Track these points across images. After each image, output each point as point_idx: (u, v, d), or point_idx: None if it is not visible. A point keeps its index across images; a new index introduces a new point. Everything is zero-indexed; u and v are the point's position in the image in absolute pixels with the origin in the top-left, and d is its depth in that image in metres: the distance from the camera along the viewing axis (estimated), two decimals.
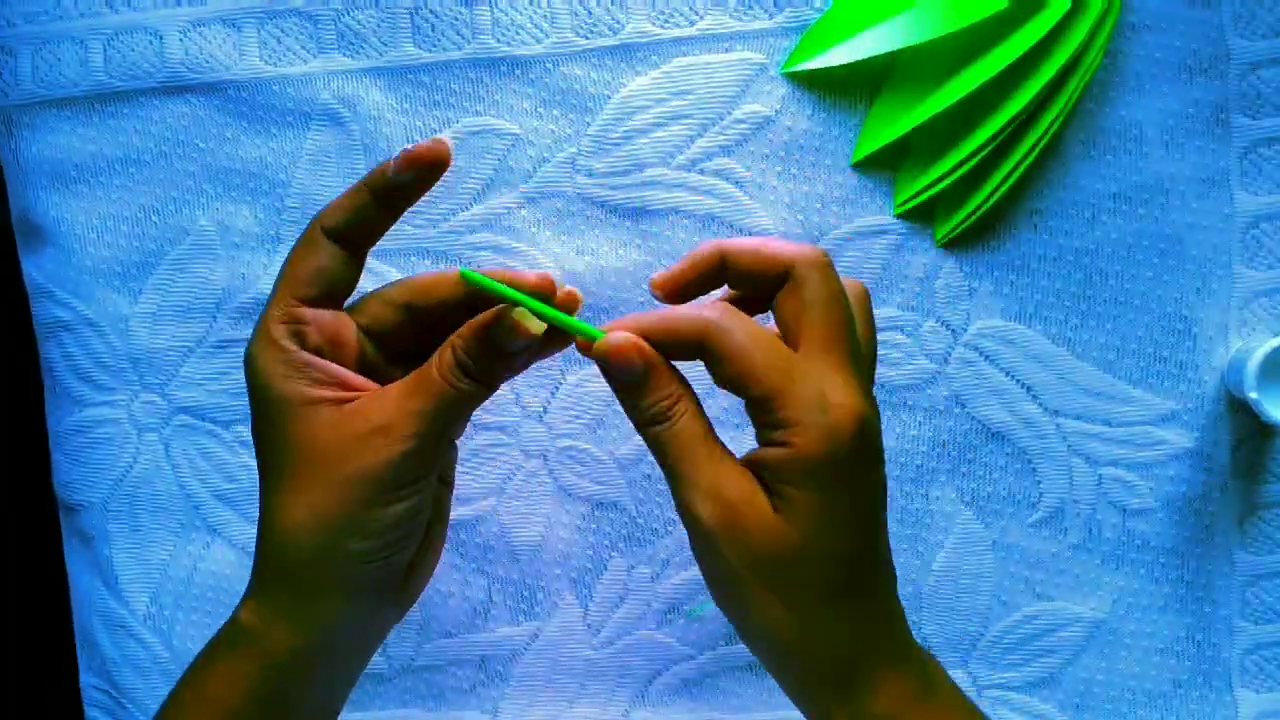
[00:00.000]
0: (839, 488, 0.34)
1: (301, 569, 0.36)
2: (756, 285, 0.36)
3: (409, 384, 0.36)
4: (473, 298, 0.38)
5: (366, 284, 0.50)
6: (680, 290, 0.38)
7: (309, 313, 0.37)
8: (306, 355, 0.36)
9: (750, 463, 0.35)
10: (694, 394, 0.36)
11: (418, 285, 0.39)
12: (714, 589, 0.37)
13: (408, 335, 0.39)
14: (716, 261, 0.37)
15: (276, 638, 0.36)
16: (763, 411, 0.34)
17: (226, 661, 0.37)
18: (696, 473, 0.35)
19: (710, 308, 0.35)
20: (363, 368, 0.38)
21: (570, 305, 0.39)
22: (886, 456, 0.50)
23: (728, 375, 0.34)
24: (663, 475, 0.50)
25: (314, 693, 0.38)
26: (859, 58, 0.47)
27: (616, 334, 0.35)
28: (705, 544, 0.35)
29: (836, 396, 0.33)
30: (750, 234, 0.49)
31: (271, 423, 0.36)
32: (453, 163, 0.42)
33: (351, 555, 0.35)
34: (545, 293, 0.37)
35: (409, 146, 0.36)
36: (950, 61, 0.47)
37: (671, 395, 0.36)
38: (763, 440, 0.34)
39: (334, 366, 0.36)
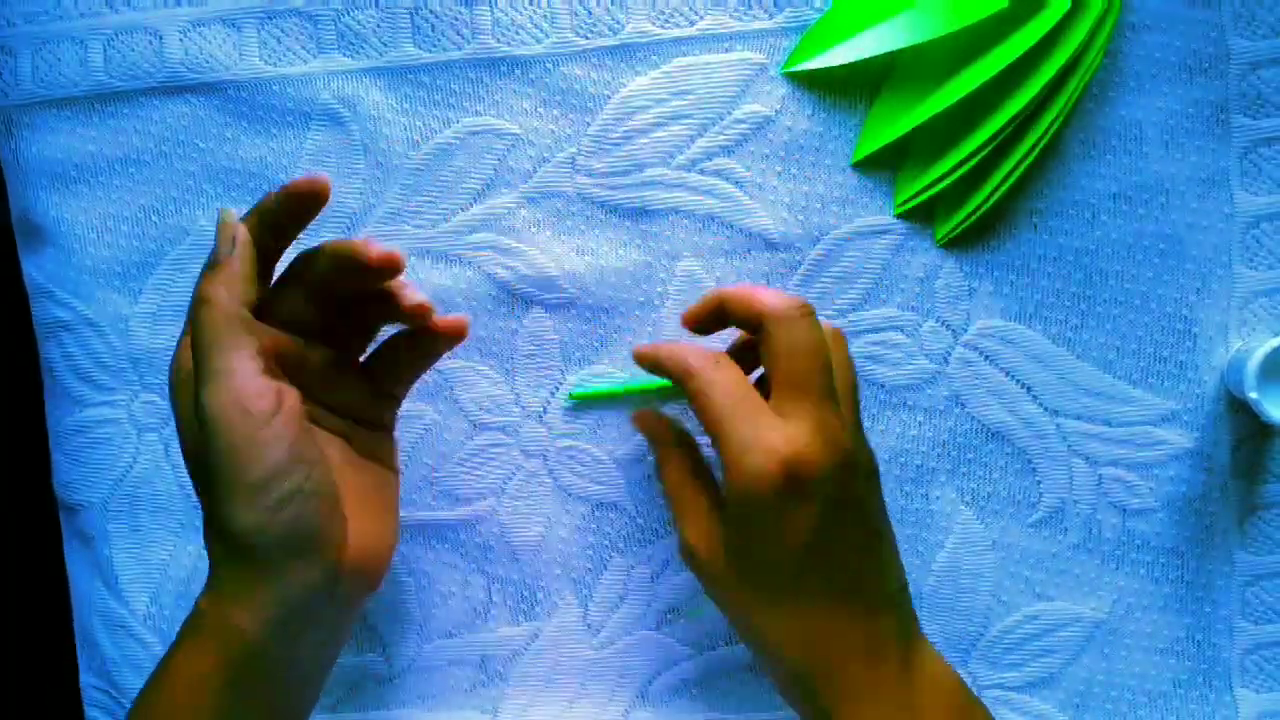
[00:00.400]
0: (760, 519, 0.39)
1: (224, 556, 0.38)
2: (749, 329, 0.42)
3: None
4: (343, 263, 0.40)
5: None
6: (695, 325, 0.45)
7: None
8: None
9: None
10: (687, 439, 0.45)
11: (315, 277, 0.41)
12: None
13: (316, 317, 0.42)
14: (719, 303, 0.43)
15: (228, 617, 0.38)
16: (713, 447, 0.40)
17: (188, 645, 0.39)
18: (681, 507, 0.43)
19: (693, 351, 0.42)
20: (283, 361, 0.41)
21: (420, 314, 0.43)
22: (886, 457, 0.50)
23: (697, 415, 0.41)
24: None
25: (273, 675, 0.39)
26: (859, 58, 0.47)
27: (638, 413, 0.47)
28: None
29: (768, 441, 0.38)
30: (750, 234, 0.49)
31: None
32: (331, 199, 0.46)
33: (244, 530, 0.37)
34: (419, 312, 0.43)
35: (292, 181, 0.39)
36: (950, 61, 0.47)
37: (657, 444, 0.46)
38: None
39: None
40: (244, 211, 0.50)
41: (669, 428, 0.46)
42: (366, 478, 0.43)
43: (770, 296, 0.41)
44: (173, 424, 0.51)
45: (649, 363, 0.44)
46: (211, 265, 0.39)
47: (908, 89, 0.48)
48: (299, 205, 0.39)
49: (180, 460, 0.51)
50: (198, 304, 0.38)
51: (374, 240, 0.40)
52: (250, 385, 0.37)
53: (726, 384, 0.40)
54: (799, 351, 0.40)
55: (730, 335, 0.48)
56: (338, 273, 0.40)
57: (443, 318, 0.44)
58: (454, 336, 0.44)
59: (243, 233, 0.39)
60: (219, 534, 0.37)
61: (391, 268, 0.40)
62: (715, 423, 0.39)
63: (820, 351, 0.40)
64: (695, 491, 0.43)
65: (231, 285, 0.38)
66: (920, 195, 0.48)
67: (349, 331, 0.43)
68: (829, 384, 0.40)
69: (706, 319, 0.44)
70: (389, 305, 0.43)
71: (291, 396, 0.38)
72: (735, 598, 0.41)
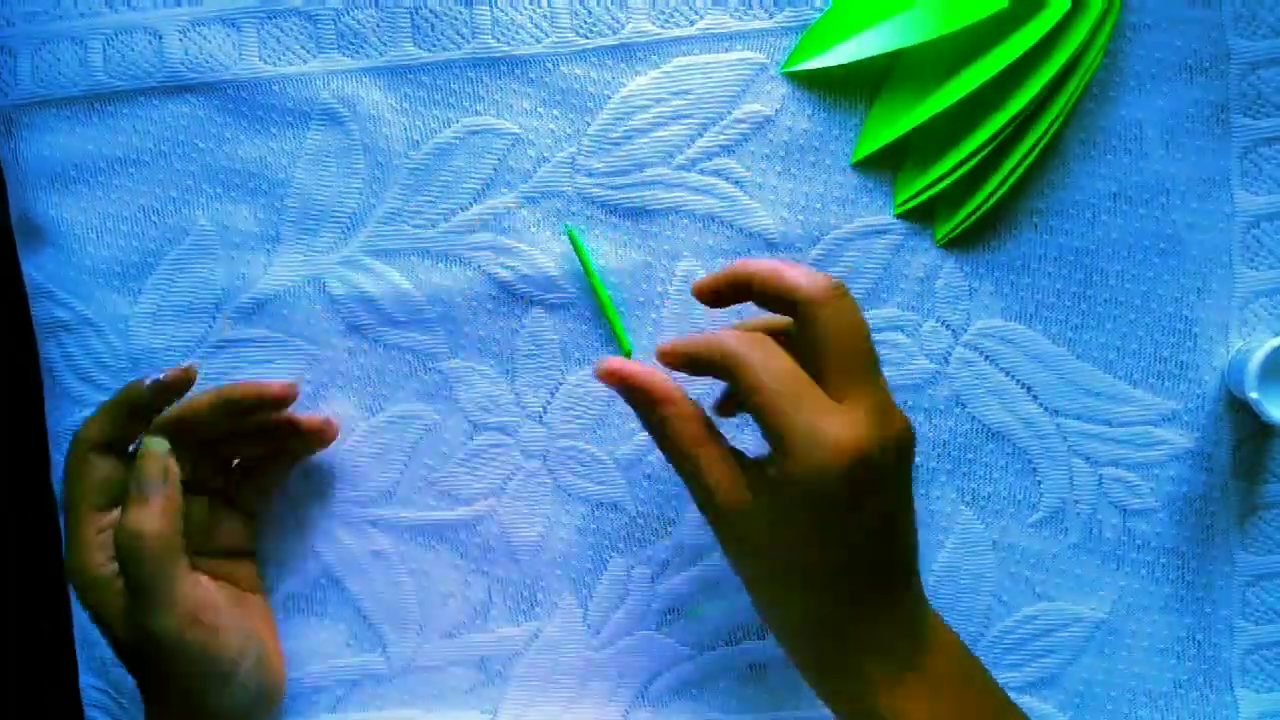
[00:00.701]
0: (827, 510, 0.37)
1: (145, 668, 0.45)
2: (775, 307, 0.40)
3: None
4: (229, 409, 0.46)
5: (368, 284, 0.50)
6: (711, 296, 0.42)
7: (106, 518, 0.45)
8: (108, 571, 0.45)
9: (757, 463, 0.39)
10: (690, 404, 0.40)
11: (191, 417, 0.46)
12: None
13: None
14: (745, 278, 0.41)
15: None
16: (767, 435, 0.38)
17: None
18: (693, 477, 0.40)
19: (736, 337, 0.39)
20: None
21: (326, 430, 0.49)
22: None
23: (743, 399, 0.38)
24: (665, 477, 0.50)
25: None
26: (859, 57, 0.47)
27: (601, 362, 0.41)
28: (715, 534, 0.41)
29: (834, 433, 0.37)
30: (750, 234, 0.49)
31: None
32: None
33: (158, 631, 0.43)
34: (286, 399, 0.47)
35: (159, 375, 0.45)
36: (950, 61, 0.47)
37: (658, 410, 0.40)
38: (771, 457, 0.38)
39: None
40: (243, 211, 0.50)
41: (664, 380, 0.40)
42: (255, 610, 0.49)
43: (804, 279, 0.39)
44: None
45: (680, 359, 0.41)
46: (141, 498, 0.44)
47: (908, 89, 0.48)
48: (172, 396, 0.45)
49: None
50: (133, 537, 0.43)
51: (264, 380, 0.48)
52: (198, 601, 0.44)
53: (779, 370, 0.38)
54: (845, 334, 0.38)
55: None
56: (222, 419, 0.45)
57: (309, 419, 0.48)
58: (327, 436, 0.49)
59: (173, 467, 0.44)
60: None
61: (292, 396, 0.46)
62: (771, 412, 0.37)
63: (864, 330, 0.39)
64: (719, 451, 0.40)
65: (167, 517, 0.44)
66: (920, 195, 0.48)
67: (214, 471, 0.48)
68: (877, 362, 0.39)
69: (725, 291, 0.42)
70: (266, 433, 0.48)
71: (213, 583, 0.46)
72: (769, 570, 0.39)
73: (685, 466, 0.40)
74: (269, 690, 0.47)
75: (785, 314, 0.40)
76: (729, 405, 0.48)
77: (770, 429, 0.38)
